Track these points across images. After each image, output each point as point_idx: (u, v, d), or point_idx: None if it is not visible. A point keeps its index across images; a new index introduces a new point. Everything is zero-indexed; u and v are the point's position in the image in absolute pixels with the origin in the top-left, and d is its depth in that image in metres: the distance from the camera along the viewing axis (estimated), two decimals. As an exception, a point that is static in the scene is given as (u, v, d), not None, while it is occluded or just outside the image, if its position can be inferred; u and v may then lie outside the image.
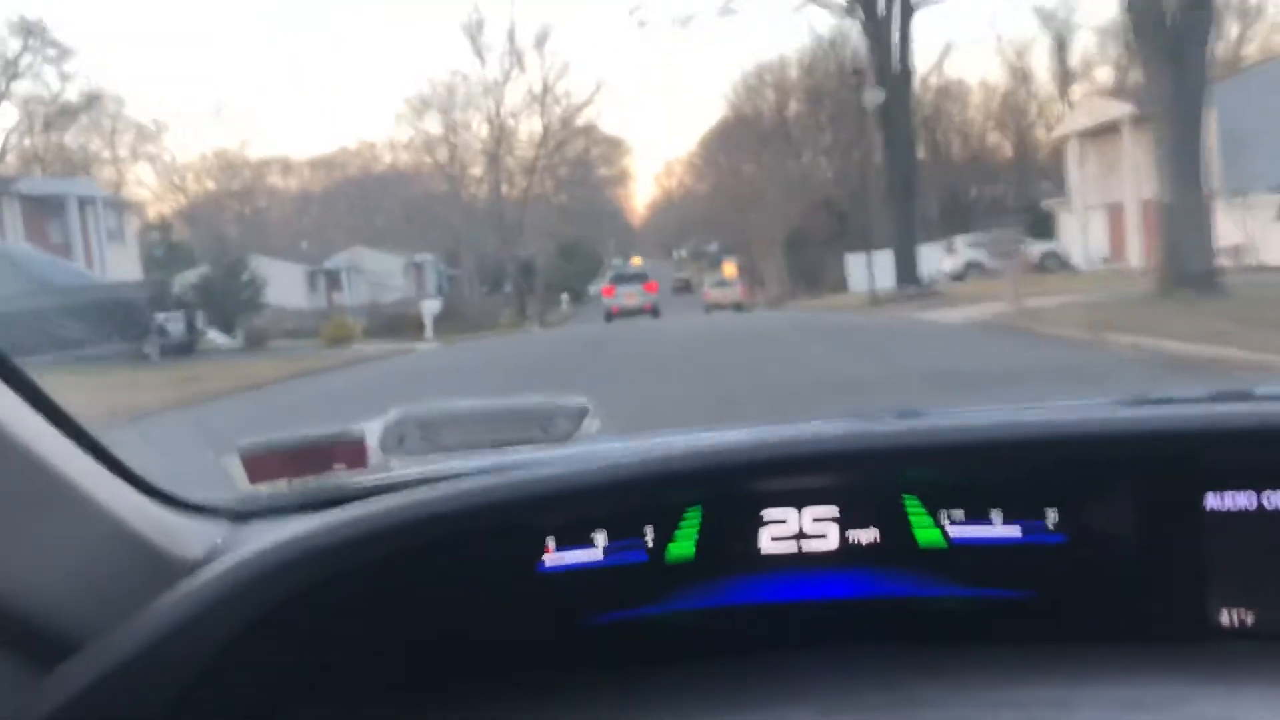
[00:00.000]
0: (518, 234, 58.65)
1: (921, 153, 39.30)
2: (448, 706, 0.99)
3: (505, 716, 0.97)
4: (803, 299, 42.83)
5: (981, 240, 31.62)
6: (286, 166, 68.69)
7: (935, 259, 41.62)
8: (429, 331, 29.39)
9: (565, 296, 61.47)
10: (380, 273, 55.62)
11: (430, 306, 30.53)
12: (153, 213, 48.91)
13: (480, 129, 58.30)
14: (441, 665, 1.02)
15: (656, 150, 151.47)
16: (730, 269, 58.99)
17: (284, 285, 43.98)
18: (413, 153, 59.46)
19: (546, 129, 57.50)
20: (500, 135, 57.14)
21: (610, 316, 30.68)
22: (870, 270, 33.21)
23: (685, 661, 1.01)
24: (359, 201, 60.12)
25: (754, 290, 49.18)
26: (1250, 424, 1.05)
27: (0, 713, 0.80)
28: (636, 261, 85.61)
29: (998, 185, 55.83)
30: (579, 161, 64.14)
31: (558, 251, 71.43)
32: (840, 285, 46.22)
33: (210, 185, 62.93)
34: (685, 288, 65.82)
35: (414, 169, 59.34)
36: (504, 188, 57.88)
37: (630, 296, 32.86)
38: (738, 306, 42.48)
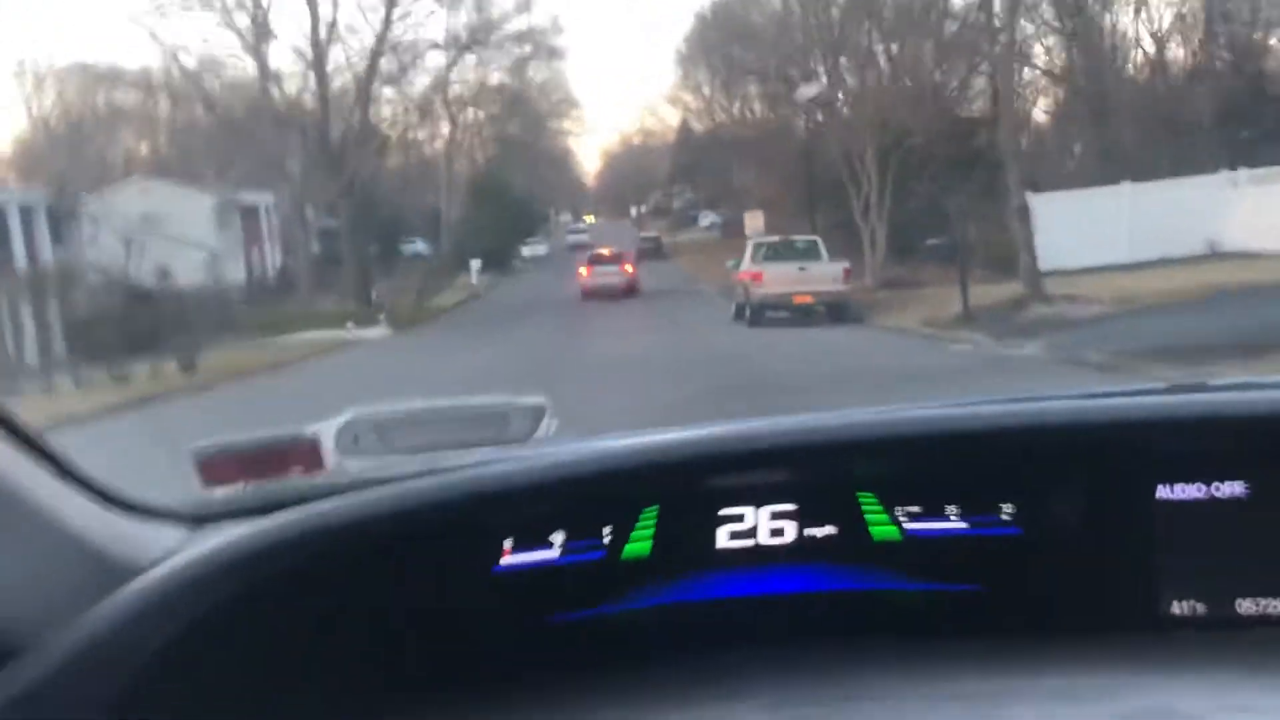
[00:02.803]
0: (364, 159, 37.54)
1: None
2: (404, 707, 1.08)
3: (460, 716, 1.06)
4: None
5: None
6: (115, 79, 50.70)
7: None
8: None
9: (476, 263, 42.80)
10: (171, 220, 34.71)
11: None
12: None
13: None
14: (398, 666, 1.14)
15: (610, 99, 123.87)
16: (755, 221, 37.92)
17: None
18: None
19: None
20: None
21: (586, 295, 33.20)
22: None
23: (640, 660, 1.14)
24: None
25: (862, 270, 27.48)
26: (1202, 412, 1.13)
27: None
28: (589, 219, 75.13)
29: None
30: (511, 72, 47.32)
31: (472, 196, 52.99)
32: (1004, 258, 22.88)
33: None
34: (655, 251, 52.95)
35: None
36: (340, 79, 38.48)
37: (608, 276, 33.95)
38: (838, 309, 21.62)
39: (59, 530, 0.92)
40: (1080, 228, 23.64)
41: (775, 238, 25.73)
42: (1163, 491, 1.08)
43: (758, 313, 21.98)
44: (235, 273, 38.18)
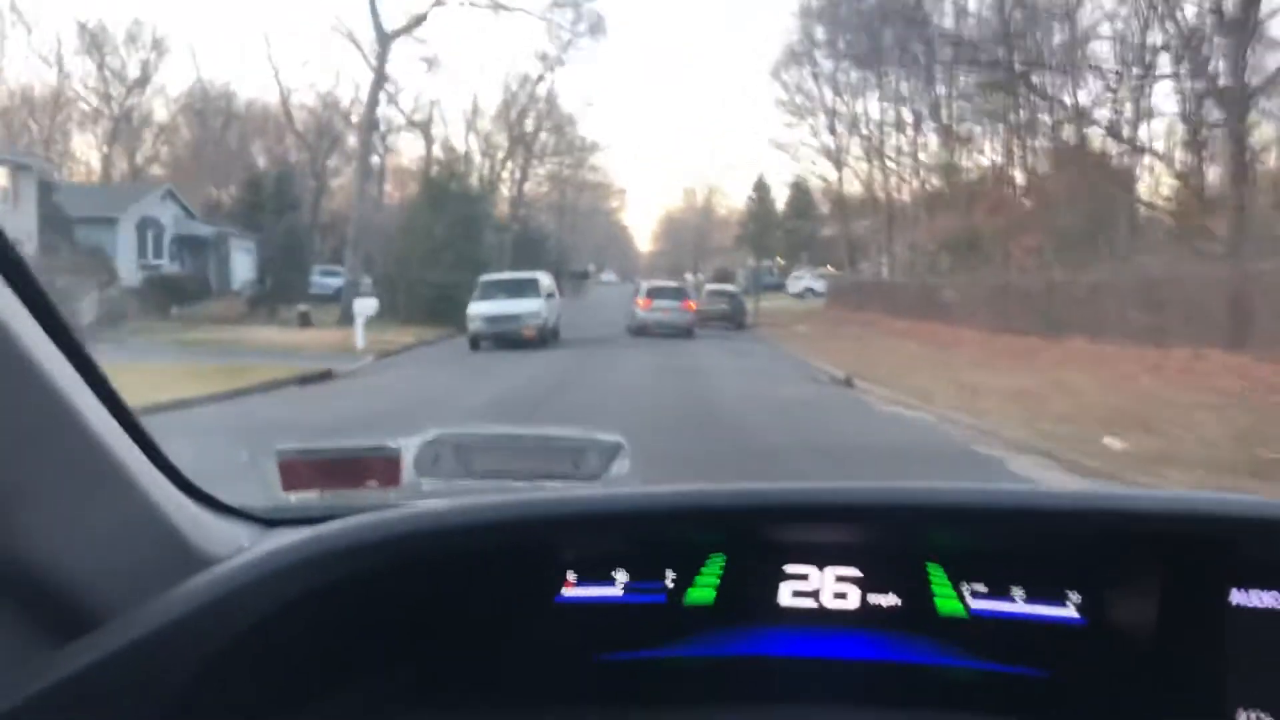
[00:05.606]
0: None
1: None
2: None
3: None
4: None
5: None
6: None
7: None
8: None
9: (366, 304, 21.21)
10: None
11: None
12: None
13: None
14: (449, 683, 1.14)
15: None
16: None
17: None
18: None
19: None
20: None
21: (641, 330, 29.01)
22: None
23: (694, 706, 1.14)
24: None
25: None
26: None
27: (7, 677, 0.90)
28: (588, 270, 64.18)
29: None
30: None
31: (427, 202, 31.33)
32: None
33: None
34: (727, 316, 33.49)
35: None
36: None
37: (667, 312, 29.44)
38: None
39: (149, 517, 0.96)
40: None
41: None
42: (1237, 596, 1.06)
43: None
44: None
